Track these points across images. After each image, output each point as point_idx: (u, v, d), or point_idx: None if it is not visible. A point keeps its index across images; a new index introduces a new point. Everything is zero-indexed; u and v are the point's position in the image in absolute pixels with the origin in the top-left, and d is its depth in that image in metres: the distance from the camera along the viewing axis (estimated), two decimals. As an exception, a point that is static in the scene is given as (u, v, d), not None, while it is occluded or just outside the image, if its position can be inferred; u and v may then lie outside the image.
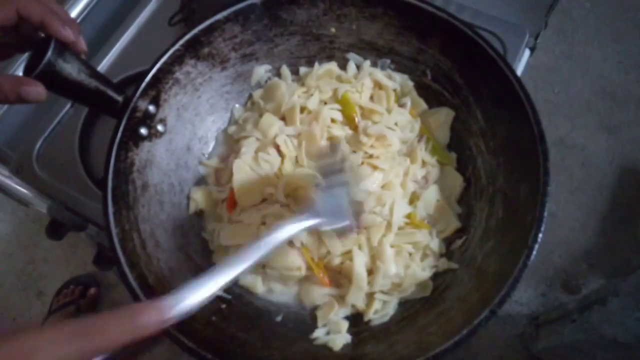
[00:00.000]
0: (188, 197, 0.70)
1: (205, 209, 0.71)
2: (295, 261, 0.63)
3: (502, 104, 0.62)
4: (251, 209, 0.67)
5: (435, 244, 0.65)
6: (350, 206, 0.58)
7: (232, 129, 0.75)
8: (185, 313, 0.39)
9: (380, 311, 0.63)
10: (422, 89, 0.72)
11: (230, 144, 0.74)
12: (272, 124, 0.70)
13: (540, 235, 0.54)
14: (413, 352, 0.52)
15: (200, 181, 0.73)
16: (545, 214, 0.54)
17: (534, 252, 0.53)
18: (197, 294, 0.40)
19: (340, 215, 0.57)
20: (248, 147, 0.70)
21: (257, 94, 0.75)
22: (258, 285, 0.65)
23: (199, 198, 0.70)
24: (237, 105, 0.76)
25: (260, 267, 0.64)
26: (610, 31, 1.96)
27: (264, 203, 0.68)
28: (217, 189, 0.71)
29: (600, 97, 1.87)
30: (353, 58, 0.74)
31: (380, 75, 0.72)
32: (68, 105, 0.82)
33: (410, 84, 0.73)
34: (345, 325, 0.62)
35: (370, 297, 0.63)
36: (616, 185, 1.73)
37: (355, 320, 0.64)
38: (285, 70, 0.75)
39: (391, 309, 0.63)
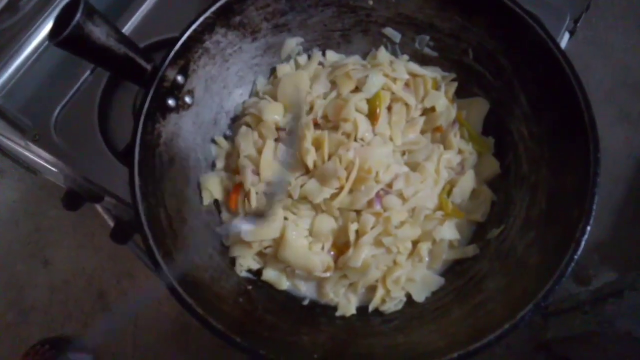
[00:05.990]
0: (199, 186, 0.66)
1: (220, 199, 0.67)
2: (325, 261, 0.61)
3: (550, 89, 0.59)
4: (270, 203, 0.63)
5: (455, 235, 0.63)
6: None
7: (249, 101, 0.71)
8: None
9: (388, 302, 0.61)
10: (463, 70, 0.68)
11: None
12: (272, 114, 0.67)
13: (589, 228, 0.51)
14: (450, 344, 0.50)
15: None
16: (595, 206, 0.52)
17: (582, 246, 0.50)
18: None
19: None
20: (245, 140, 0.66)
21: (282, 69, 0.72)
22: (282, 282, 0.63)
23: (212, 187, 0.65)
24: (261, 78, 0.73)
25: (286, 266, 0.62)
26: (636, 20, 1.90)
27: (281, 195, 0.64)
28: (227, 176, 0.67)
29: (622, 87, 1.82)
30: (389, 33, 0.70)
31: (417, 67, 0.69)
32: (88, 72, 0.78)
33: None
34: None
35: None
36: (632, 178, 1.70)
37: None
38: (316, 54, 0.72)
39: (399, 302, 0.62)
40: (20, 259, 1.65)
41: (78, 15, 0.49)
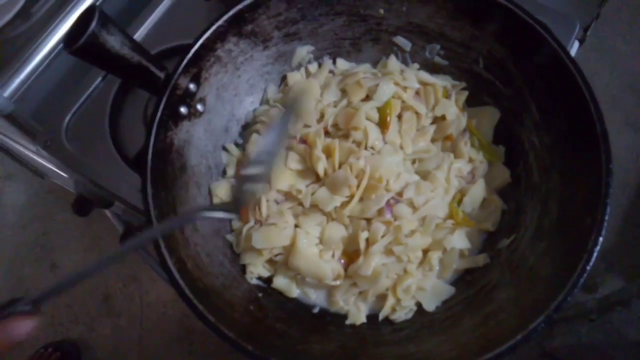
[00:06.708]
0: (210, 193, 0.66)
1: None
2: (335, 269, 0.61)
3: (561, 98, 0.59)
4: (281, 211, 0.64)
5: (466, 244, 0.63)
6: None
7: (260, 109, 0.72)
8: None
9: (398, 311, 0.61)
10: (473, 78, 0.68)
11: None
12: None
13: (601, 239, 0.51)
14: (461, 354, 0.50)
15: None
16: (607, 217, 0.52)
17: (594, 257, 0.50)
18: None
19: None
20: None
21: (292, 77, 0.72)
22: (292, 290, 0.63)
23: (223, 194, 0.66)
24: (271, 85, 0.73)
25: (297, 274, 0.62)
26: (642, 26, 1.90)
27: (291, 202, 0.65)
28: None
29: (628, 93, 1.82)
30: (400, 42, 0.70)
31: (427, 76, 0.69)
32: (99, 79, 0.79)
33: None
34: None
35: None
36: (639, 184, 1.69)
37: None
38: (326, 63, 0.72)
39: (409, 311, 0.61)
40: (27, 262, 1.66)
41: (93, 24, 0.50)
